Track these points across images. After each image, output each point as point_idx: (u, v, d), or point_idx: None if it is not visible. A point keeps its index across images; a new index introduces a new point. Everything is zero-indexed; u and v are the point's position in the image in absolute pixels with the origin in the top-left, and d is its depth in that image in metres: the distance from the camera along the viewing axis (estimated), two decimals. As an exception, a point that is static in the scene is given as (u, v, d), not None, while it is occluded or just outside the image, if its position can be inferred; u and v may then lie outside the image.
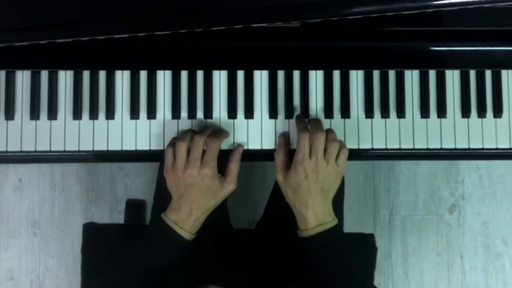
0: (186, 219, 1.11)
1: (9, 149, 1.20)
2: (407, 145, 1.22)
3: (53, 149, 1.20)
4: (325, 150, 1.10)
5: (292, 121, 1.21)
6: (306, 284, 1.17)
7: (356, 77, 1.23)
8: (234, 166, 1.15)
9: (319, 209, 1.10)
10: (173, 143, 1.13)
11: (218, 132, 1.16)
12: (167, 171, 1.12)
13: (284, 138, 1.16)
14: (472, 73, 1.23)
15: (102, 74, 1.21)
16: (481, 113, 1.22)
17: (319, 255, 1.10)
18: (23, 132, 1.20)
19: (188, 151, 1.11)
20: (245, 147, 1.21)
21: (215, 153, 1.12)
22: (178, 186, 1.11)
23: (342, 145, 1.13)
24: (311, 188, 1.09)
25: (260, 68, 1.22)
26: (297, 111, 1.22)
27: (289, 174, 1.11)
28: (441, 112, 1.22)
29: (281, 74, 1.23)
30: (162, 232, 1.11)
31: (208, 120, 1.21)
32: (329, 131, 1.14)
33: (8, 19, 0.95)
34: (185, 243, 1.11)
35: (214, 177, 1.11)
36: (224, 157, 1.17)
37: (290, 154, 1.14)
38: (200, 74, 1.22)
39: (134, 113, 1.21)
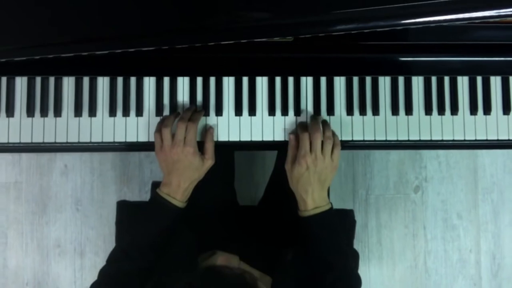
0: (176, 190, 1.12)
1: (57, 141, 1.20)
2: (380, 137, 1.22)
3: (92, 140, 1.21)
4: (322, 146, 1.12)
5: (288, 118, 1.21)
6: (298, 250, 1.17)
7: (339, 82, 1.23)
8: (209, 145, 1.16)
9: (316, 195, 1.11)
10: (159, 128, 1.13)
11: (194, 115, 1.16)
12: (157, 152, 1.13)
13: (294, 136, 1.16)
14: (434, 79, 1.23)
15: (133, 80, 1.21)
16: (441, 111, 1.22)
17: (314, 231, 1.12)
18: (69, 127, 1.20)
19: (173, 135, 1.11)
20: (249, 139, 1.21)
21: (194, 134, 1.12)
22: (167, 163, 1.12)
23: (336, 143, 1.14)
24: (311, 178, 1.11)
25: (261, 74, 1.22)
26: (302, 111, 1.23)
27: (294, 166, 1.12)
28: (408, 110, 1.22)
29: (278, 79, 1.22)
30: (159, 203, 1.13)
31: (219, 117, 1.21)
32: (326, 128, 1.15)
33: (62, 32, 0.95)
34: (178, 209, 1.12)
35: (195, 154, 1.12)
36: (219, 147, 1.18)
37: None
38: (212, 80, 1.22)
39: (159, 111, 1.21)
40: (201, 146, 1.16)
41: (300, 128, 1.16)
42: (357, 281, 1.14)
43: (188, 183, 1.13)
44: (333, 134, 1.16)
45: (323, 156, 1.11)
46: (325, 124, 1.18)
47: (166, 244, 1.13)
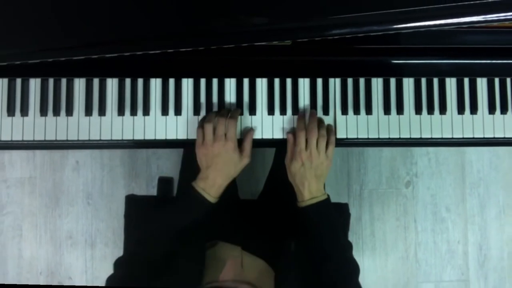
0: (211, 186, 1.11)
1: (68, 138, 1.20)
2: (373, 135, 1.22)
3: (102, 138, 1.21)
4: (317, 143, 1.12)
5: (286, 117, 1.22)
6: (296, 239, 1.17)
7: (334, 83, 1.23)
8: (247, 144, 1.16)
9: (313, 188, 1.12)
10: (201, 124, 1.13)
11: (233, 113, 1.16)
12: (198, 146, 1.12)
13: (292, 135, 1.17)
14: (423, 81, 1.23)
15: (140, 81, 1.21)
16: (430, 111, 1.22)
17: (311, 220, 1.12)
18: (80, 126, 1.20)
19: (214, 130, 1.11)
20: (254, 131, 1.21)
21: (235, 130, 1.12)
22: (207, 158, 1.11)
23: (330, 140, 1.15)
24: (307, 173, 1.11)
25: (261, 76, 1.22)
26: (301, 110, 1.23)
27: (291, 162, 1.13)
28: (400, 110, 1.22)
29: (277, 81, 1.22)
30: (193, 196, 1.11)
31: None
32: (320, 129, 1.15)
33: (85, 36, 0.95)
34: (210, 205, 1.11)
35: (235, 150, 1.12)
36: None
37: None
38: (215, 81, 1.22)
39: (165, 111, 1.21)
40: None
41: (298, 127, 1.16)
42: (355, 267, 1.14)
43: (224, 179, 1.13)
44: (330, 132, 1.16)
45: (318, 152, 1.11)
46: (320, 122, 1.18)
47: (191, 238, 1.13)
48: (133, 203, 1.48)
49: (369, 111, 1.22)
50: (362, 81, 1.23)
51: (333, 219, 1.16)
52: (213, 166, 1.11)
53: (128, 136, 1.21)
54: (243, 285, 1.06)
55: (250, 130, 1.20)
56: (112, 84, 1.21)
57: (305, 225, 1.13)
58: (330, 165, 1.15)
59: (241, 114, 1.21)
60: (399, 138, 1.23)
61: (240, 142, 1.16)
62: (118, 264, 1.11)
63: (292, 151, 1.15)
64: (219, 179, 1.11)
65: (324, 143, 1.13)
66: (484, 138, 1.23)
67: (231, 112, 1.17)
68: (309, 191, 1.11)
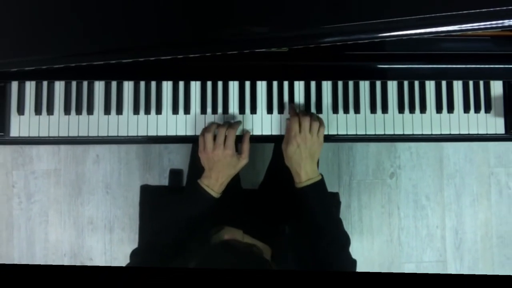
0: (214, 184, 1.12)
1: (89, 135, 1.21)
2: (361, 132, 1.23)
3: (119, 134, 1.21)
4: (310, 127, 1.12)
5: (283, 116, 1.22)
6: (293, 224, 1.18)
7: (326, 86, 1.23)
8: (245, 146, 1.16)
9: (308, 168, 1.12)
10: (202, 133, 1.13)
11: (233, 124, 1.17)
12: (201, 152, 1.13)
13: (289, 121, 1.17)
14: (406, 83, 1.23)
15: (153, 84, 1.21)
16: (411, 110, 1.23)
17: (308, 199, 1.12)
18: (99, 123, 1.21)
19: (214, 138, 1.12)
20: (250, 133, 1.21)
21: (233, 139, 1.12)
22: (209, 162, 1.12)
23: (321, 123, 1.15)
24: (302, 154, 1.11)
25: (261, 79, 1.22)
26: (289, 104, 1.23)
27: (288, 146, 1.13)
28: (384, 109, 1.22)
29: (275, 83, 1.23)
30: (198, 192, 1.13)
31: (225, 115, 1.21)
32: (312, 114, 1.16)
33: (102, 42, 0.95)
34: (214, 200, 1.13)
35: (233, 155, 1.12)
36: (237, 140, 1.18)
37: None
38: (220, 83, 1.22)
39: (175, 110, 1.21)
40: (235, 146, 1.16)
41: (291, 115, 1.17)
42: (347, 238, 1.15)
43: (225, 178, 1.13)
44: (319, 118, 1.17)
45: (311, 134, 1.12)
46: (312, 113, 1.19)
47: (193, 223, 1.14)
48: (147, 192, 1.49)
49: (357, 110, 1.22)
50: (351, 83, 1.23)
51: (327, 197, 1.17)
52: (214, 169, 1.12)
53: (142, 132, 1.21)
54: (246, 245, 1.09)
55: (246, 133, 1.20)
56: (128, 86, 1.22)
57: (302, 204, 1.13)
58: (321, 145, 1.15)
59: (214, 113, 1.21)
60: (384, 134, 1.23)
61: (238, 144, 1.17)
62: (133, 254, 1.12)
63: (288, 136, 1.15)
64: (221, 178, 1.13)
65: (317, 126, 1.13)
66: (459, 134, 1.24)
67: (232, 123, 1.18)
68: (305, 171, 1.12)
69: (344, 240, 1.14)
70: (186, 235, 1.12)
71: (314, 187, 1.12)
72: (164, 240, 1.11)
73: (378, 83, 1.23)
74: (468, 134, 1.24)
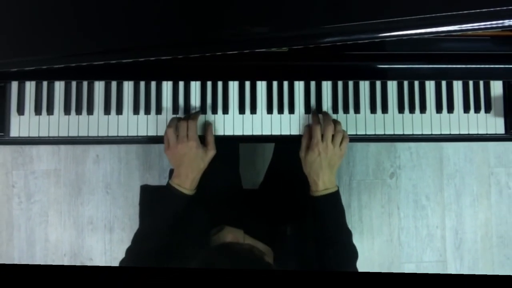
0: (185, 181, 1.12)
1: (89, 135, 1.21)
2: (361, 132, 1.23)
3: (119, 134, 1.21)
4: (332, 137, 1.12)
5: (283, 116, 1.22)
6: (295, 225, 1.18)
7: (326, 85, 1.23)
8: (209, 137, 1.16)
9: (326, 178, 1.12)
10: (165, 131, 1.13)
11: (193, 115, 1.16)
12: (166, 150, 1.14)
13: (308, 129, 1.17)
14: (406, 83, 1.23)
15: (153, 84, 1.21)
16: (411, 110, 1.23)
17: (322, 210, 1.12)
18: (99, 124, 1.21)
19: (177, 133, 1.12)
20: (250, 134, 1.21)
21: (195, 130, 1.12)
22: (175, 158, 1.12)
23: (345, 135, 1.14)
24: (322, 163, 1.11)
25: (261, 79, 1.22)
26: (313, 108, 1.22)
27: (308, 153, 1.12)
28: (384, 109, 1.22)
29: (275, 83, 1.22)
30: (171, 192, 1.13)
31: (225, 115, 1.21)
32: (337, 124, 1.15)
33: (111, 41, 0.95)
34: (187, 197, 1.12)
35: (199, 147, 1.12)
36: (220, 141, 1.18)
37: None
38: (220, 83, 1.22)
39: (175, 110, 1.21)
40: (203, 140, 1.16)
41: (313, 122, 1.16)
42: (355, 252, 1.15)
43: (195, 173, 1.13)
44: (342, 129, 1.16)
45: (333, 145, 1.11)
46: (337, 121, 1.18)
47: (182, 224, 1.14)
48: (147, 192, 1.49)
49: (357, 110, 1.22)
50: (351, 83, 1.23)
51: (340, 208, 1.16)
52: (182, 164, 1.12)
53: (142, 132, 1.22)
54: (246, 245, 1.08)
55: (208, 124, 1.19)
56: (128, 86, 1.22)
57: (315, 212, 1.13)
58: (342, 158, 1.15)
59: (204, 113, 1.21)
60: (384, 134, 1.23)
61: (202, 138, 1.16)
62: (128, 251, 1.13)
63: (307, 143, 1.14)
64: (190, 174, 1.12)
65: (340, 137, 1.13)
66: (459, 134, 1.24)
67: (192, 114, 1.17)
68: (323, 181, 1.11)
69: (351, 253, 1.14)
70: (170, 236, 1.12)
71: (330, 197, 1.12)
72: (149, 245, 1.12)
73: (378, 83, 1.23)
74: (468, 134, 1.24)
